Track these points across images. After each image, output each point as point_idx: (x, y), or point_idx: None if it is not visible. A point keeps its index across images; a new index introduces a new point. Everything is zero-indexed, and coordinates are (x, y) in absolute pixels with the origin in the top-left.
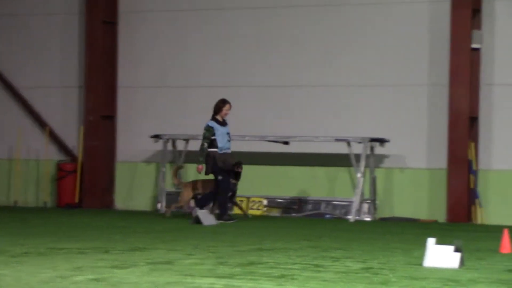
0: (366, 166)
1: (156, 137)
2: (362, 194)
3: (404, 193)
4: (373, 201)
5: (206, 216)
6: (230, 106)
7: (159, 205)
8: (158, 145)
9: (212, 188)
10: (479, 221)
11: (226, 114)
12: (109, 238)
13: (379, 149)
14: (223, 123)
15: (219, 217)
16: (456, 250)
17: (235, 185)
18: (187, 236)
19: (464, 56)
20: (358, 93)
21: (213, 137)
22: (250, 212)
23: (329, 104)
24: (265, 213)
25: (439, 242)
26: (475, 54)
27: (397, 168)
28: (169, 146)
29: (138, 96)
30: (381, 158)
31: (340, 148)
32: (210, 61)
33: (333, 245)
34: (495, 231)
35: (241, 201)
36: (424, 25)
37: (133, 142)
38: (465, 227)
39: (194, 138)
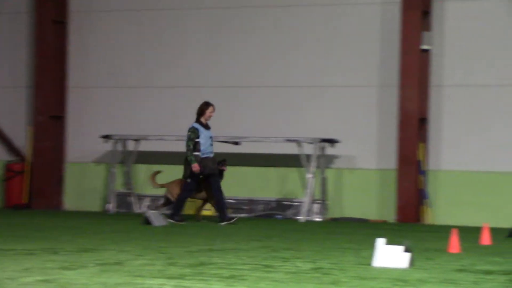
0: (317, 166)
1: (106, 137)
2: (313, 194)
3: (354, 194)
4: (323, 201)
5: (157, 217)
6: (214, 109)
7: (108, 206)
8: (108, 146)
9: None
10: (428, 221)
11: (210, 116)
12: (58, 239)
13: (329, 150)
14: (206, 126)
15: (170, 216)
16: (406, 250)
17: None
18: (137, 237)
19: (414, 58)
20: (308, 93)
21: (196, 140)
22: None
23: (280, 104)
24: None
25: (389, 242)
26: (425, 55)
27: (347, 169)
28: (119, 147)
29: (88, 96)
30: (331, 158)
31: (291, 149)
32: (160, 61)
33: (283, 245)
34: (443, 231)
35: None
36: (374, 27)
37: (82, 142)
38: (414, 227)
39: (144, 138)
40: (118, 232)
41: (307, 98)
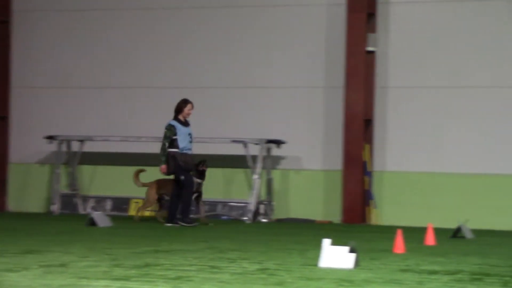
0: (263, 167)
1: (50, 138)
2: (259, 195)
3: (300, 195)
4: (269, 202)
5: (101, 218)
6: (192, 106)
7: (53, 207)
8: (53, 146)
9: (174, 189)
10: (373, 222)
11: (188, 114)
12: (1, 240)
13: (275, 151)
14: (185, 123)
15: (181, 219)
16: (351, 251)
17: (201, 185)
18: (81, 238)
19: (359, 59)
20: (254, 94)
21: (174, 137)
22: (146, 214)
23: (226, 105)
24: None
25: (334, 243)
26: (370, 57)
27: (293, 170)
28: (64, 147)
29: (32, 96)
30: (277, 159)
31: (237, 150)
32: (105, 61)
33: (229, 246)
34: (389, 232)
35: (137, 202)
36: (320, 28)
37: (26, 143)
38: (360, 228)
39: (89, 139)
40: (63, 234)
41: (254, 99)
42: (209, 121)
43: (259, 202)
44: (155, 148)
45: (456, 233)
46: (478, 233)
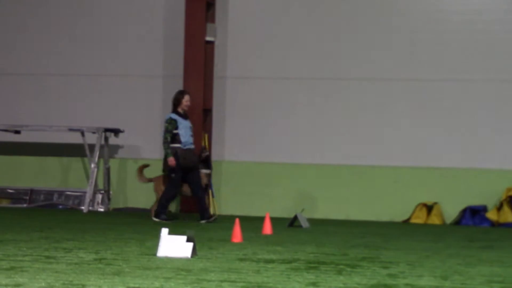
0: (100, 156)
1: None
2: (96, 184)
3: (138, 184)
4: (107, 191)
5: None
6: (189, 97)
7: None
8: None
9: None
10: (211, 211)
11: (186, 105)
12: None
13: (113, 140)
14: (185, 116)
15: (155, 215)
16: (188, 240)
17: (209, 176)
18: None
19: (198, 49)
20: (92, 82)
21: (175, 131)
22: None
23: (63, 93)
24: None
25: (172, 232)
26: (209, 47)
27: (132, 159)
28: None
29: None
30: (115, 148)
31: (74, 138)
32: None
33: (65, 236)
34: (227, 221)
35: None
36: (159, 17)
37: None
38: (198, 217)
39: None
40: None
41: (90, 87)
42: (45, 108)
43: (96, 191)
44: None
45: (293, 222)
46: (314, 222)
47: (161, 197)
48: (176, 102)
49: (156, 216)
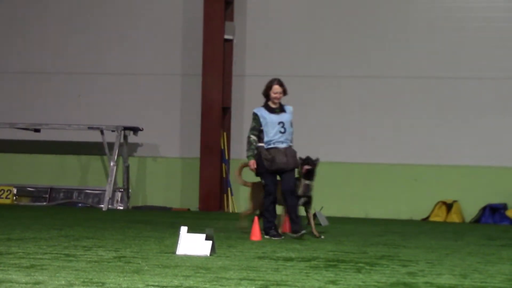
0: (119, 154)
1: None
2: (115, 182)
3: (157, 182)
4: (126, 189)
5: None
6: (279, 87)
7: None
8: None
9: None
10: (230, 209)
11: (276, 97)
12: None
13: (132, 138)
14: (275, 110)
15: (265, 233)
16: (207, 238)
17: (309, 187)
18: None
19: (217, 47)
20: (111, 81)
21: (260, 128)
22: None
23: (83, 91)
24: (15, 202)
25: (191, 230)
26: (228, 45)
27: (150, 157)
28: None
29: None
30: (134, 146)
31: (93, 137)
32: None
33: (85, 234)
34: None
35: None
36: (178, 16)
37: None
38: (217, 215)
39: None
40: None
41: (110, 85)
42: (65, 107)
43: (115, 190)
44: (8, 134)
45: None
46: (333, 220)
47: (263, 212)
48: (265, 94)
49: (266, 234)
